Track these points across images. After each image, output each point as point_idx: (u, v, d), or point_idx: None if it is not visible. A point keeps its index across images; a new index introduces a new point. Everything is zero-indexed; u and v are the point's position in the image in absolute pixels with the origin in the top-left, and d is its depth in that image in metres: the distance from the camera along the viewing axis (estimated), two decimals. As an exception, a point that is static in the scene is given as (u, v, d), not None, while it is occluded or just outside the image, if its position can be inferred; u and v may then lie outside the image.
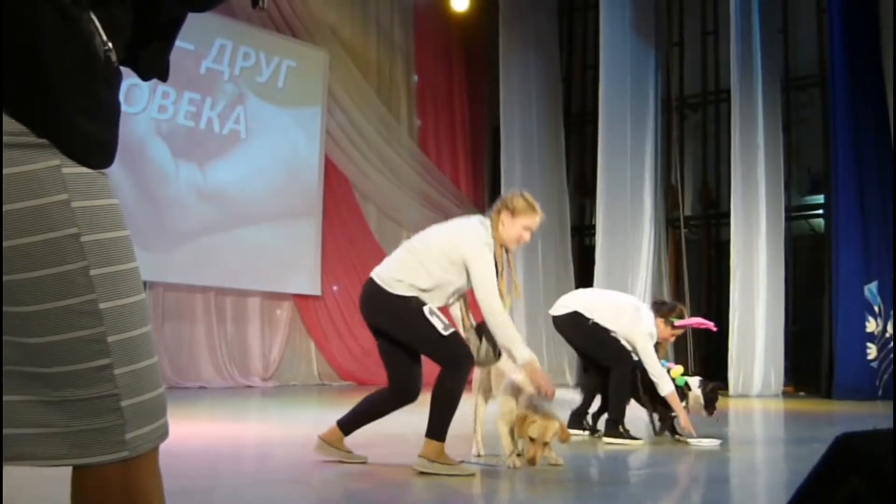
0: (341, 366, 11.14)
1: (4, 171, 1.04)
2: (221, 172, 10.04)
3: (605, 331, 5.16)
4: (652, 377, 5.01)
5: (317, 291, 10.92)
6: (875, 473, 1.36)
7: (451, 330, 3.73)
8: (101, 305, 1.11)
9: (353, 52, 11.65)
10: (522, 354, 3.63)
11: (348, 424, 3.98)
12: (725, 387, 5.31)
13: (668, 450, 4.86)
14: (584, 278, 11.54)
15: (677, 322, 5.27)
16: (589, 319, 5.21)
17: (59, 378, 1.10)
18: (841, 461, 1.42)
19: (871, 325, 9.58)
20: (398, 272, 3.77)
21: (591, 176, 12.09)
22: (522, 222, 3.82)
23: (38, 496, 3.10)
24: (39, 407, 1.11)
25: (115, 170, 9.33)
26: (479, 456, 4.20)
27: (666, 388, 4.98)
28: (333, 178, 11.30)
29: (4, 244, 1.05)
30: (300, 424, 6.25)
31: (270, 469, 4.02)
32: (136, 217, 9.17)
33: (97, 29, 1.13)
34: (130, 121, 9.25)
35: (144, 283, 8.63)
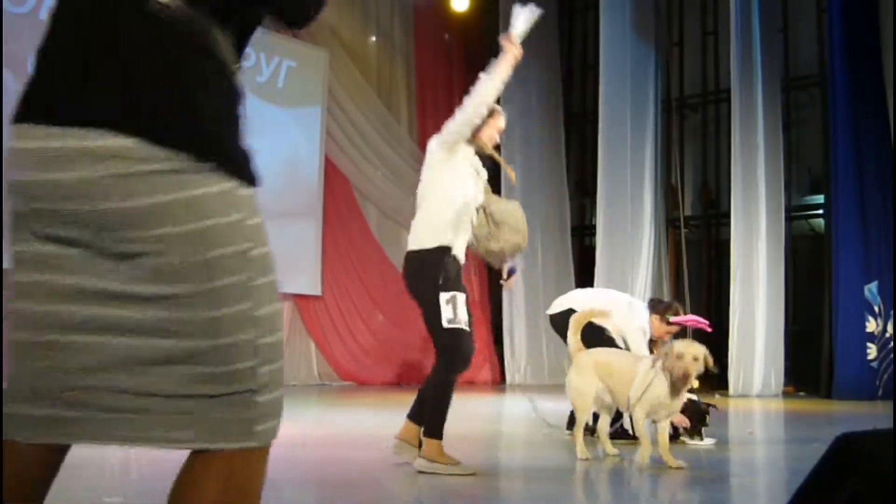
0: (341, 366, 11.14)
1: (191, 192, 1.17)
2: (221, 172, 10.04)
3: (600, 330, 5.15)
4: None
5: (317, 291, 10.92)
6: (875, 473, 1.36)
7: (458, 325, 3.71)
8: (257, 312, 1.23)
9: (353, 52, 11.65)
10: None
11: (420, 416, 3.89)
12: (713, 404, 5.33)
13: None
14: (584, 278, 11.54)
15: (673, 318, 5.28)
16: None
17: (211, 374, 1.21)
18: (841, 461, 1.42)
19: (871, 325, 9.58)
20: (418, 228, 3.89)
21: (591, 176, 12.09)
22: (496, 124, 4.08)
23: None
24: (180, 397, 1.21)
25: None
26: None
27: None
28: (333, 178, 11.30)
29: (186, 260, 1.17)
30: (300, 424, 6.25)
31: (270, 469, 4.01)
32: (136, 217, 9.19)
33: (230, 55, 1.26)
34: (130, 121, 9.27)
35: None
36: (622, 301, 5.37)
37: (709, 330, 5.40)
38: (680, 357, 3.96)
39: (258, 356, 1.24)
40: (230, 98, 1.26)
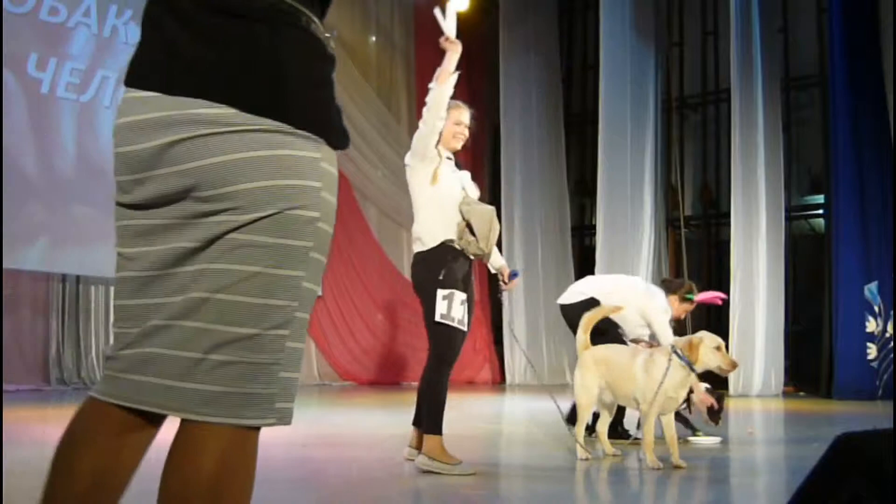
0: (341, 366, 11.14)
1: (277, 151, 1.21)
2: (221, 172, 10.04)
3: (616, 326, 5.11)
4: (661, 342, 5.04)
5: (317, 291, 10.90)
6: (875, 473, 1.36)
7: (450, 322, 3.74)
8: (304, 284, 1.26)
9: (353, 52, 11.65)
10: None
11: (421, 419, 3.97)
12: (724, 393, 5.37)
13: (667, 449, 4.86)
14: (584, 278, 11.53)
15: (696, 297, 5.29)
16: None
17: (241, 340, 1.20)
18: (841, 461, 1.42)
19: (871, 325, 9.58)
20: (418, 234, 3.93)
21: (591, 176, 12.09)
22: (452, 118, 4.08)
23: (37, 497, 3.10)
24: (207, 365, 1.20)
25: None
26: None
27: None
28: (333, 178, 11.29)
29: (264, 212, 1.20)
30: (300, 424, 6.24)
31: (270, 469, 4.01)
32: (136, 217, 9.18)
33: (323, 34, 1.32)
34: (130, 121, 9.26)
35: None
36: (639, 285, 5.35)
37: (720, 303, 5.44)
38: (719, 349, 4.05)
39: (290, 328, 1.24)
40: (322, 65, 1.31)
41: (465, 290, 3.82)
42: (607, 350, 4.40)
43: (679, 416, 5.26)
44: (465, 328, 3.80)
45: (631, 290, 5.22)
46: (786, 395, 10.30)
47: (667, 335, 4.98)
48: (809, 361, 10.44)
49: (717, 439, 5.09)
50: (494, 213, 3.95)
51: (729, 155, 11.00)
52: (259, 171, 1.21)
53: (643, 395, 4.05)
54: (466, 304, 3.80)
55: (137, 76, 1.29)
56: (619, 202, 11.38)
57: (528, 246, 12.33)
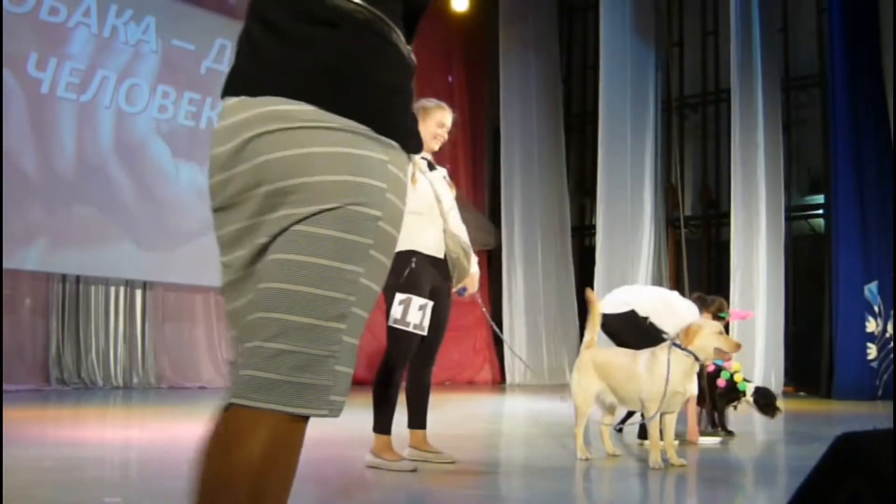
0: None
1: (348, 149, 1.26)
2: (221, 172, 10.03)
3: (659, 332, 5.09)
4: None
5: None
6: (875, 473, 1.36)
7: (400, 326, 3.76)
8: (363, 280, 1.28)
9: (353, 52, 11.64)
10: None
11: (413, 418, 4.01)
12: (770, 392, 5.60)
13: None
14: (584, 278, 11.54)
15: (731, 317, 5.37)
16: (646, 319, 5.10)
17: (300, 330, 1.23)
18: (841, 461, 1.42)
19: (871, 325, 9.58)
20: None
21: (591, 176, 12.09)
22: (435, 120, 4.03)
23: (37, 497, 3.10)
24: (265, 353, 1.23)
25: (115, 169, 9.22)
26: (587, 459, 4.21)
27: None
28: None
29: (332, 205, 1.24)
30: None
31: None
32: (136, 217, 9.17)
33: (403, 43, 1.37)
34: (130, 121, 9.25)
35: (144, 284, 8.61)
36: (678, 302, 5.32)
37: (751, 318, 5.52)
38: (720, 333, 4.06)
39: (347, 322, 1.26)
40: (403, 75, 1.36)
41: (431, 297, 3.82)
42: (608, 353, 4.39)
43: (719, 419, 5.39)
44: (422, 332, 3.81)
45: (671, 306, 5.18)
46: (786, 395, 10.30)
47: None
48: (809, 361, 10.43)
49: (716, 440, 5.12)
50: (459, 238, 3.90)
51: (729, 155, 11.00)
52: (326, 166, 1.24)
53: (649, 394, 4.02)
54: (427, 310, 3.79)
55: (229, 86, 1.35)
56: (619, 202, 11.38)
57: (528, 246, 12.33)
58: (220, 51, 10.10)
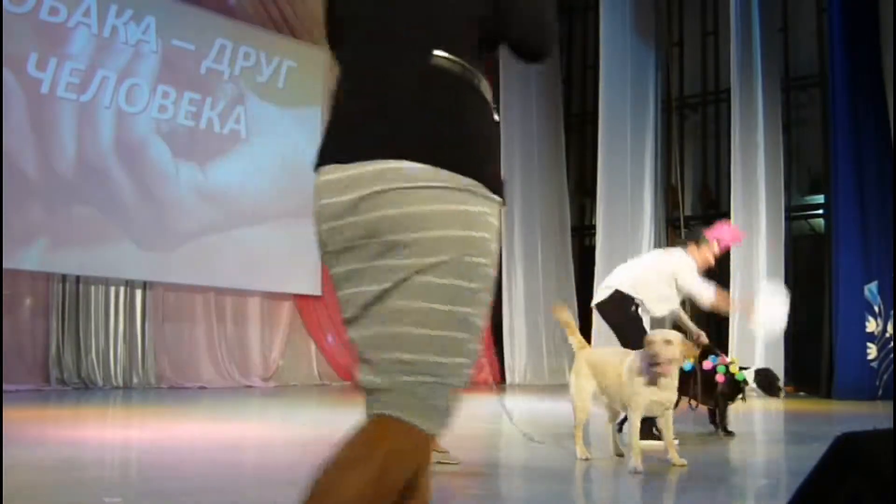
0: (341, 366, 11.13)
1: (455, 206, 1.41)
2: (221, 172, 10.04)
3: (642, 323, 5.14)
4: (697, 296, 5.23)
5: (317, 291, 10.91)
6: (875, 473, 1.36)
7: None
8: (475, 320, 1.46)
9: (353, 52, 11.64)
10: None
11: None
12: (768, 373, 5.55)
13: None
14: (584, 278, 11.53)
15: (712, 237, 5.33)
16: (633, 303, 5.14)
17: (433, 366, 1.42)
18: (841, 461, 1.42)
19: (871, 325, 9.57)
20: None
21: (591, 176, 12.09)
22: None
23: (37, 497, 3.10)
24: (407, 382, 1.43)
25: (116, 170, 9.22)
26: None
27: (708, 299, 5.25)
28: (333, 178, 11.30)
29: (451, 256, 1.41)
30: (300, 425, 6.25)
31: (270, 469, 4.02)
32: (136, 217, 9.17)
33: (483, 85, 1.50)
34: (130, 121, 9.25)
35: (144, 284, 8.60)
36: (656, 257, 5.38)
37: (740, 241, 5.46)
38: (650, 344, 3.92)
39: (468, 356, 1.45)
40: (493, 129, 1.50)
41: None
42: (602, 353, 4.40)
43: (720, 418, 5.37)
44: None
45: (651, 267, 5.25)
46: (786, 395, 10.30)
47: (702, 291, 5.15)
48: (809, 361, 10.43)
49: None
50: None
51: (729, 155, 11.00)
52: (440, 222, 1.40)
53: (628, 398, 4.03)
54: None
55: (331, 151, 1.49)
56: (619, 202, 11.37)
57: (528, 246, 12.33)
58: (220, 51, 10.10)
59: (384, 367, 1.45)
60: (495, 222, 1.48)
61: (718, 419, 5.48)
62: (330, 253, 1.51)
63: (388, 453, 1.42)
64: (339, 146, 1.48)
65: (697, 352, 5.10)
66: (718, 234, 5.46)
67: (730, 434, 5.40)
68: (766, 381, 5.39)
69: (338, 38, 1.59)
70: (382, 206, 1.41)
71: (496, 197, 1.46)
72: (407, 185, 1.40)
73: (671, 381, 4.01)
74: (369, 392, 1.50)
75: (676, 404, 5.61)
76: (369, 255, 1.45)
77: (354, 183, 1.43)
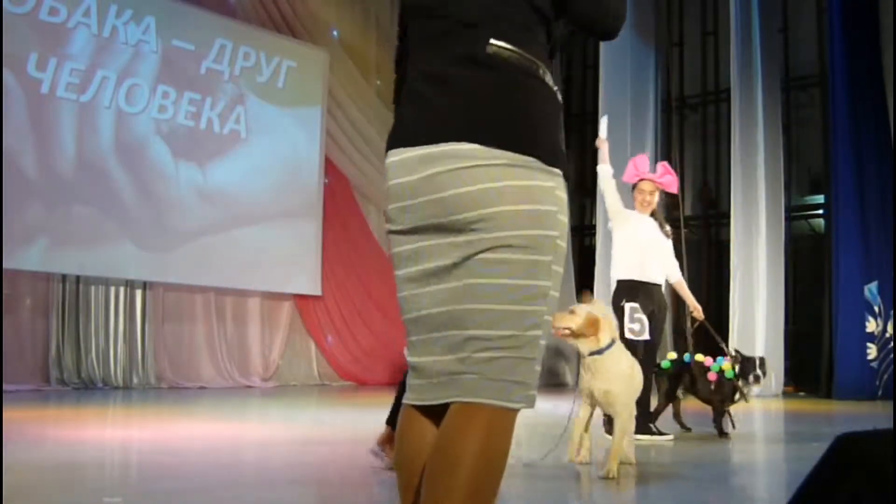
0: (341, 366, 11.14)
1: (522, 182, 1.46)
2: (221, 172, 10.04)
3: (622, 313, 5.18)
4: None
5: (317, 291, 10.92)
6: (875, 473, 1.36)
7: None
8: (551, 292, 1.50)
9: (353, 52, 11.65)
10: None
11: (394, 417, 3.98)
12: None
13: (667, 449, 4.86)
14: (584, 278, 11.54)
15: (649, 176, 5.37)
16: (622, 296, 5.23)
17: (506, 339, 1.45)
18: (841, 461, 1.42)
19: (871, 325, 9.58)
20: None
21: (591, 176, 12.07)
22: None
23: (37, 497, 3.10)
24: (478, 359, 1.46)
25: (116, 170, 9.22)
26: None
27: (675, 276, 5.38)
28: (333, 178, 11.30)
29: (514, 232, 1.45)
30: (300, 424, 6.25)
31: (270, 469, 4.02)
32: (136, 217, 9.17)
33: (550, 79, 1.56)
34: (130, 121, 9.25)
35: (144, 284, 8.60)
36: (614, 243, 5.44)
37: (670, 189, 5.46)
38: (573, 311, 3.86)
39: (542, 328, 1.49)
40: (554, 109, 1.55)
41: None
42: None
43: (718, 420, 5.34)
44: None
45: (617, 245, 5.37)
46: (786, 395, 10.30)
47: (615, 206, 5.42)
48: (809, 361, 10.43)
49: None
50: None
51: (729, 155, 11.00)
52: (506, 198, 1.45)
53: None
54: None
55: (401, 135, 1.56)
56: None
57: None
58: (220, 51, 10.10)
59: (456, 344, 1.48)
60: (562, 195, 1.52)
61: (713, 419, 5.45)
62: (397, 232, 1.56)
63: (484, 446, 1.43)
64: (406, 130, 1.55)
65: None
66: (629, 174, 5.54)
67: (724, 435, 5.35)
68: (743, 368, 5.33)
69: (405, 27, 1.66)
70: (450, 185, 1.46)
71: (555, 169, 1.51)
72: (470, 164, 1.45)
73: (607, 370, 3.84)
74: (436, 374, 1.52)
75: (670, 403, 5.61)
76: (439, 232, 1.50)
77: (420, 164, 1.49)
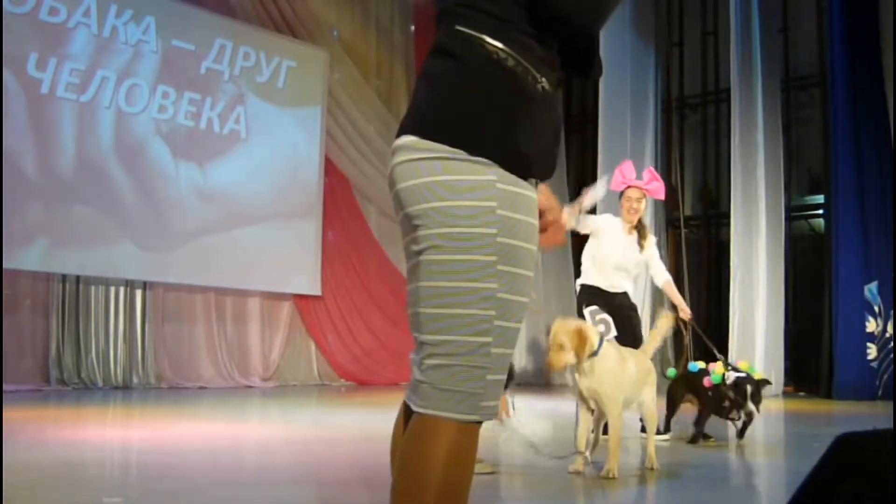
0: (341, 366, 11.14)
1: (455, 176, 1.38)
2: (221, 172, 10.04)
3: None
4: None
5: (317, 291, 10.92)
6: (875, 473, 1.36)
7: None
8: (500, 294, 1.38)
9: (353, 52, 11.65)
10: None
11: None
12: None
13: (667, 449, 4.86)
14: (584, 278, 11.52)
15: (636, 183, 5.35)
16: (581, 305, 5.42)
17: (447, 345, 1.37)
18: (841, 461, 1.42)
19: (871, 325, 9.58)
20: None
21: (591, 176, 12.08)
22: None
23: (37, 497, 3.10)
24: (427, 366, 1.39)
25: (116, 170, 9.21)
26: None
27: (661, 278, 5.37)
28: (333, 178, 11.30)
29: (443, 230, 1.37)
30: (300, 424, 6.25)
31: (270, 469, 4.02)
32: (136, 217, 9.17)
33: (530, 72, 1.43)
34: (130, 121, 9.25)
35: (144, 284, 8.61)
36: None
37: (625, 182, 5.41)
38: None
39: (492, 335, 1.37)
40: (517, 100, 1.42)
41: None
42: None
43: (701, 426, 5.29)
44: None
45: (603, 256, 5.42)
46: (786, 395, 10.30)
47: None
48: (809, 361, 10.43)
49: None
50: None
51: (729, 155, 10.99)
52: (441, 193, 1.37)
53: None
54: None
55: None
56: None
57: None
58: (220, 51, 10.10)
59: (418, 349, 1.44)
60: (508, 188, 1.39)
61: (698, 421, 5.27)
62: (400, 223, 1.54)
63: (439, 457, 1.38)
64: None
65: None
66: (616, 182, 5.51)
67: (706, 438, 5.19)
68: (740, 388, 5.11)
69: None
70: (398, 179, 1.43)
71: (490, 161, 1.38)
72: (411, 157, 1.40)
73: (596, 370, 3.79)
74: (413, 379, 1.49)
75: (673, 409, 5.58)
76: (404, 230, 1.47)
77: (392, 155, 1.47)
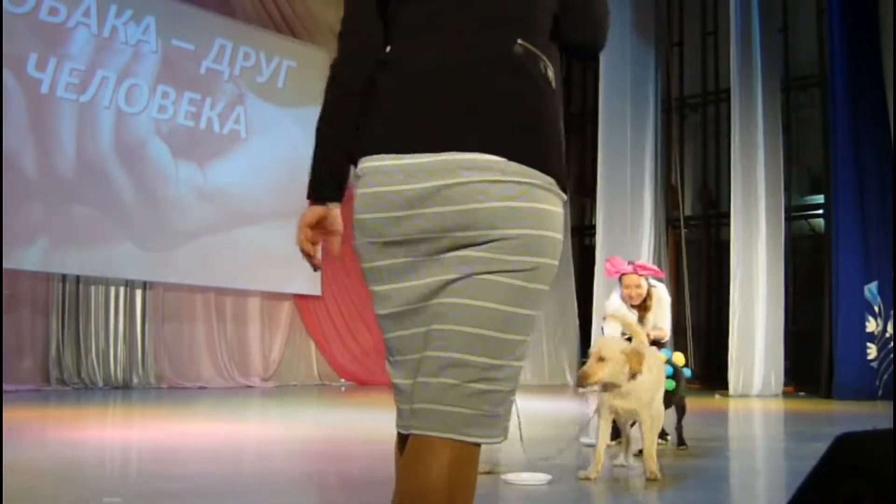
0: (341, 366, 11.14)
1: (551, 207, 1.36)
2: (221, 172, 10.04)
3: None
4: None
5: (317, 291, 10.91)
6: (875, 473, 1.36)
7: None
8: (534, 322, 1.38)
9: (353, 52, 11.64)
10: None
11: None
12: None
13: (667, 449, 4.86)
14: (585, 278, 11.54)
15: (628, 270, 5.21)
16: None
17: (495, 370, 1.33)
18: (841, 461, 1.42)
19: (871, 325, 9.58)
20: None
21: (591, 176, 12.09)
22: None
23: (37, 497, 3.10)
24: (464, 392, 1.32)
25: (116, 170, 9.19)
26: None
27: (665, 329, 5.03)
28: (333, 178, 11.30)
29: (525, 258, 1.33)
30: (300, 424, 6.25)
31: (270, 469, 4.02)
32: (136, 217, 9.17)
33: (553, 80, 1.43)
34: (130, 121, 9.25)
35: (144, 284, 8.59)
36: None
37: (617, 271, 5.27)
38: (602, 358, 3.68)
39: (524, 358, 1.39)
40: (560, 121, 1.42)
41: None
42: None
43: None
44: None
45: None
46: (786, 395, 10.30)
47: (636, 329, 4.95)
48: (809, 361, 10.43)
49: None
50: None
51: (729, 155, 10.99)
52: (524, 220, 1.33)
53: None
54: None
55: (386, 140, 1.39)
56: (619, 202, 11.37)
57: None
58: (219, 51, 10.10)
59: (432, 368, 1.33)
60: (562, 218, 1.41)
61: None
62: (378, 243, 1.40)
63: (453, 482, 1.31)
64: (400, 133, 1.38)
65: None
66: (608, 273, 5.38)
67: (664, 436, 4.96)
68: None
69: (391, 18, 1.49)
70: (456, 199, 1.32)
71: (564, 195, 1.41)
72: (483, 178, 1.32)
73: (629, 389, 3.75)
74: (408, 399, 1.38)
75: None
76: (433, 248, 1.35)
77: (424, 173, 1.34)
